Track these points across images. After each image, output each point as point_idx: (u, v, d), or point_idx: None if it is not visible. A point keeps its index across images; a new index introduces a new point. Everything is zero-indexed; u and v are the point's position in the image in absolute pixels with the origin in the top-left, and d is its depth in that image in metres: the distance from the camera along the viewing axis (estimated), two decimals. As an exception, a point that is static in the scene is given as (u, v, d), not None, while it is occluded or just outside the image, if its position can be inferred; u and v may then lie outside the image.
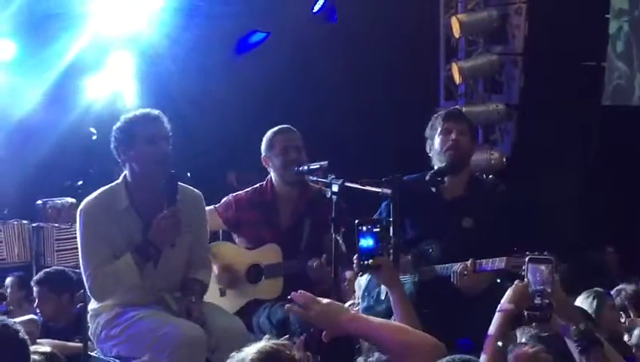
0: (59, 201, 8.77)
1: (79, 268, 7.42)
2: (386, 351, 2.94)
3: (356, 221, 3.47)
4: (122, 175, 4.38)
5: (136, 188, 4.31)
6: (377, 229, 3.34)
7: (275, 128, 5.03)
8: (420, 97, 9.29)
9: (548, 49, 9.34)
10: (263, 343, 2.67)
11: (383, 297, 4.54)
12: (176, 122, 8.10)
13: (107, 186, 4.39)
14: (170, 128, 4.37)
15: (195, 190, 4.58)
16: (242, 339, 3.88)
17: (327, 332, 2.92)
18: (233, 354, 2.66)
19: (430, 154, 4.71)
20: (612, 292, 5.77)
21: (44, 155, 8.68)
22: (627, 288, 5.90)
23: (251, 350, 2.63)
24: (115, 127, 4.35)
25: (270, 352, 2.62)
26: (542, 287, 3.10)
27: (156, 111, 4.39)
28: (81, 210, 4.32)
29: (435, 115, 4.76)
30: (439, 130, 4.65)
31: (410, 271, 4.55)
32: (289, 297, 3.00)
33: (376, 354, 2.97)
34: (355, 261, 3.73)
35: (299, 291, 2.99)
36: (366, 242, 3.35)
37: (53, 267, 6.76)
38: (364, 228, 3.31)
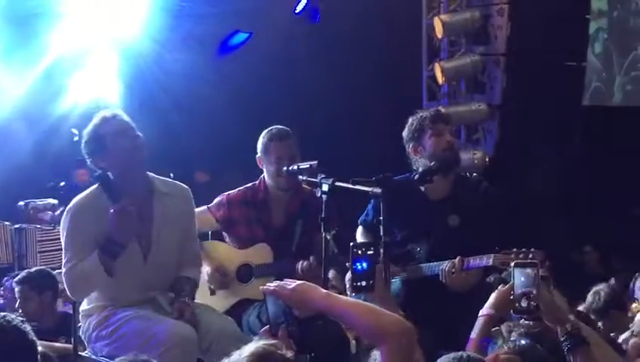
0: (41, 203, 8.73)
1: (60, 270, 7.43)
2: (357, 330, 3.01)
3: (351, 243, 3.53)
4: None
5: (117, 188, 4.32)
6: (371, 252, 3.38)
7: (274, 131, 5.01)
8: (403, 98, 9.29)
9: (530, 49, 9.39)
10: (254, 345, 2.66)
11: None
12: (159, 123, 8.13)
13: (94, 186, 4.41)
14: (134, 122, 4.43)
15: (183, 184, 4.61)
16: (235, 340, 3.92)
17: (300, 310, 2.98)
18: (224, 359, 2.65)
19: (413, 156, 4.71)
20: (589, 295, 5.82)
21: (26, 156, 8.64)
22: (602, 291, 5.93)
23: (243, 353, 2.61)
24: (82, 144, 4.40)
25: (262, 354, 2.60)
26: (528, 290, 3.15)
27: (112, 110, 4.51)
28: (68, 209, 4.36)
29: (419, 117, 4.74)
30: (430, 132, 4.66)
31: (397, 271, 4.57)
32: (261, 288, 3.10)
33: None
34: (348, 282, 3.75)
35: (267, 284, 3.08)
36: (360, 265, 3.39)
37: (35, 267, 6.72)
38: (359, 251, 3.35)
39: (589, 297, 5.80)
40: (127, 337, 4.19)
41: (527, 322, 3.36)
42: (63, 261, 4.32)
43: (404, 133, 4.76)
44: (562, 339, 3.11)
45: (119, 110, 4.49)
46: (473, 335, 3.19)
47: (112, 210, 4.18)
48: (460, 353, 2.52)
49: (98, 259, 4.19)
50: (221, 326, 4.34)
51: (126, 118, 4.42)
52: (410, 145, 4.71)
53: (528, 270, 3.19)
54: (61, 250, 8.44)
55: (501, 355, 3.08)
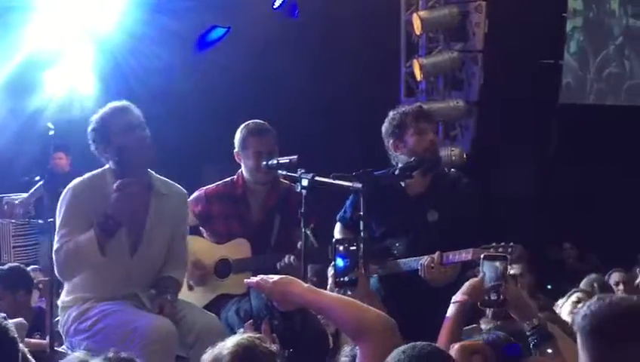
0: (15, 197, 8.67)
1: (36, 264, 7.37)
2: (339, 325, 2.99)
3: (333, 239, 3.52)
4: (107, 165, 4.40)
5: (120, 176, 4.29)
6: (354, 247, 3.38)
7: (251, 126, 4.96)
8: (381, 94, 9.32)
9: (507, 46, 9.43)
10: (239, 337, 2.68)
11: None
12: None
13: (96, 171, 4.40)
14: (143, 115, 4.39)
15: (182, 188, 4.61)
16: (220, 337, 3.85)
17: (282, 304, 2.98)
18: (209, 348, 2.65)
19: (392, 152, 4.68)
20: (568, 295, 5.86)
21: (1, 150, 8.56)
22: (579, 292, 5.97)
23: (227, 344, 2.63)
24: (89, 130, 4.36)
25: (247, 345, 2.62)
26: (497, 283, 3.16)
27: (124, 102, 4.41)
28: (69, 187, 4.32)
29: (400, 112, 4.69)
30: (412, 130, 4.61)
31: (376, 266, 4.56)
32: (245, 281, 3.11)
33: None
34: (331, 278, 3.74)
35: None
36: (342, 261, 3.39)
37: (8, 264, 6.64)
38: (341, 248, 3.35)
39: (585, 286, 5.86)
40: (105, 331, 4.15)
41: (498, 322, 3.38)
42: (56, 237, 4.26)
43: (384, 128, 4.71)
44: (529, 334, 3.12)
45: (131, 104, 4.40)
46: (446, 322, 3.22)
47: (116, 183, 4.16)
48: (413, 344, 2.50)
49: (93, 234, 4.15)
50: (205, 322, 4.33)
51: (137, 112, 4.36)
52: (391, 141, 4.67)
53: (497, 263, 3.19)
54: (36, 244, 8.38)
55: (466, 342, 3.09)
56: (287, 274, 4.53)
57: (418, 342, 2.52)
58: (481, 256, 3.29)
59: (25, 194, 8.69)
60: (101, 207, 4.20)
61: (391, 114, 4.72)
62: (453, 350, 2.91)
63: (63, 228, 4.26)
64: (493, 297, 3.16)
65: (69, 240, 4.21)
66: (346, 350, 3.00)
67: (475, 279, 3.24)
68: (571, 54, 10.28)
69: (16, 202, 8.64)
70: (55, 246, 4.27)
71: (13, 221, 8.34)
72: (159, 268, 4.44)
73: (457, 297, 3.23)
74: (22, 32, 8.45)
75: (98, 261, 4.20)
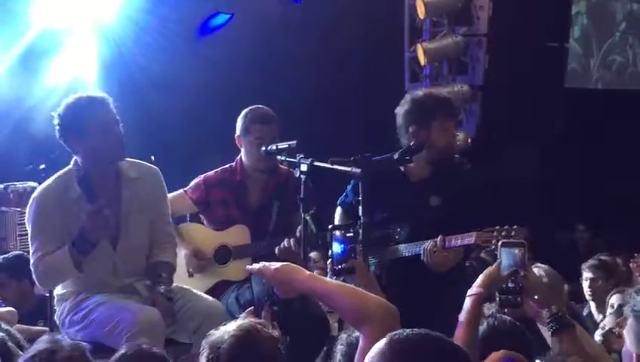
0: (21, 185, 8.66)
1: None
2: (340, 312, 2.96)
3: (330, 226, 3.49)
4: (73, 160, 4.27)
5: (87, 173, 4.18)
6: (350, 234, 3.35)
7: (256, 111, 4.92)
8: (385, 78, 9.28)
9: (512, 30, 9.36)
10: (241, 321, 2.68)
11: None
12: (139, 106, 8.05)
13: (61, 172, 4.27)
14: (117, 110, 4.23)
15: (152, 165, 4.47)
16: (223, 322, 3.85)
17: (283, 291, 2.96)
18: (211, 331, 2.66)
19: (404, 135, 4.53)
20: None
21: (5, 139, 8.56)
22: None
23: (229, 327, 2.64)
24: (57, 114, 4.15)
25: (249, 329, 2.63)
26: (515, 270, 3.09)
27: (100, 94, 4.27)
28: (34, 197, 4.22)
29: (430, 100, 4.53)
30: (438, 123, 4.49)
31: (377, 251, 4.54)
32: (247, 267, 3.09)
33: (357, 332, 2.95)
34: (329, 265, 3.73)
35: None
36: (339, 247, 3.36)
37: (12, 252, 6.65)
38: (338, 233, 3.32)
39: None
40: (96, 323, 4.15)
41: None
42: (31, 250, 4.21)
43: (406, 110, 4.53)
44: (548, 321, 3.04)
45: (107, 97, 4.22)
46: (462, 317, 3.07)
47: (87, 212, 4.02)
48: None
49: (68, 253, 4.06)
50: (208, 308, 4.31)
51: (112, 107, 4.19)
52: (412, 127, 4.50)
53: (516, 250, 3.12)
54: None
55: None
56: (286, 258, 4.59)
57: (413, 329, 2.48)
58: (499, 243, 3.21)
59: (31, 183, 8.69)
60: (66, 215, 4.11)
61: (417, 97, 4.58)
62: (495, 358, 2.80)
63: (34, 241, 4.19)
64: (511, 284, 3.09)
65: (43, 255, 4.14)
66: (343, 337, 2.99)
67: (491, 268, 3.15)
68: (575, 39, 10.23)
69: (22, 190, 8.63)
70: (31, 259, 4.21)
71: (18, 209, 8.33)
72: (146, 252, 4.37)
73: (473, 290, 3.12)
74: (24, 20, 8.43)
75: (76, 275, 4.15)
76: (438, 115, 4.50)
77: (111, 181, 4.27)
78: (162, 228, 4.44)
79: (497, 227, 4.11)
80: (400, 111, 4.58)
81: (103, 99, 4.20)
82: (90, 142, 4.14)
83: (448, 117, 4.56)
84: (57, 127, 4.17)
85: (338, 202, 4.84)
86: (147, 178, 4.37)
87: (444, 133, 4.52)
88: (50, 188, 4.23)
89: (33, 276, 4.27)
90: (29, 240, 4.23)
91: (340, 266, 3.36)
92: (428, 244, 4.35)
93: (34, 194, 4.25)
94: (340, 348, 2.96)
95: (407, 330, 2.16)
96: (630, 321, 2.39)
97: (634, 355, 2.33)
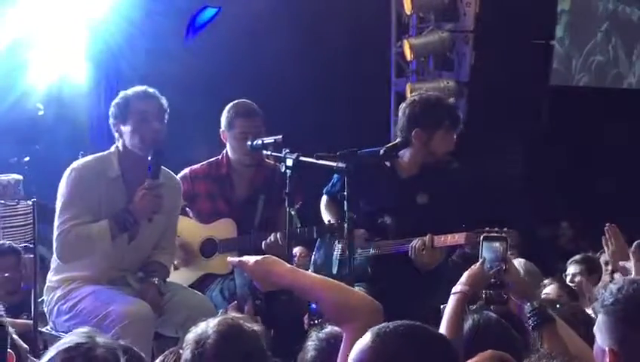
0: (4, 178, 8.61)
1: (28, 244, 7.33)
2: (323, 307, 2.90)
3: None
4: (114, 145, 4.41)
5: (127, 160, 4.34)
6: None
7: (240, 106, 4.94)
8: (371, 73, 9.28)
9: (498, 27, 9.38)
10: (223, 316, 2.67)
11: (334, 272, 4.56)
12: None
13: (100, 153, 4.42)
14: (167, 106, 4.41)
15: (177, 177, 4.67)
16: (210, 316, 3.88)
17: (264, 284, 2.91)
18: (192, 327, 2.65)
19: (405, 135, 4.52)
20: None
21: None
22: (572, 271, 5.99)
23: (212, 323, 2.63)
24: (113, 102, 4.40)
25: (232, 324, 2.63)
26: (497, 264, 3.07)
27: (152, 90, 4.43)
28: (73, 168, 4.32)
29: (442, 107, 4.54)
30: (443, 131, 4.50)
31: (364, 246, 4.55)
32: (228, 259, 3.09)
33: (329, 328, 2.93)
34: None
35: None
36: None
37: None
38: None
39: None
40: (84, 313, 4.18)
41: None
42: (60, 218, 4.25)
43: (415, 111, 4.51)
44: (529, 316, 3.03)
45: (157, 93, 4.43)
46: (446, 316, 3.01)
47: (148, 185, 4.21)
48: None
49: (108, 226, 4.19)
50: (195, 302, 4.37)
51: (161, 102, 4.39)
52: (416, 130, 4.49)
53: (497, 244, 3.09)
54: (27, 225, 8.32)
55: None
56: (273, 252, 4.57)
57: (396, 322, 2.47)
58: (480, 237, 3.17)
59: (15, 175, 8.64)
60: (103, 191, 4.25)
61: (429, 101, 4.58)
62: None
63: (67, 209, 4.26)
64: (493, 280, 3.06)
65: (76, 224, 4.21)
66: (313, 335, 2.93)
67: (475, 266, 3.11)
68: (557, 39, 10.27)
69: (5, 183, 8.59)
70: (60, 227, 4.25)
71: (2, 202, 8.29)
72: (149, 253, 4.48)
73: (457, 288, 3.09)
74: (12, 12, 8.37)
75: (106, 251, 4.24)
76: (445, 123, 4.52)
77: (144, 177, 4.34)
78: (169, 236, 4.58)
79: (487, 228, 4.11)
80: (407, 109, 4.57)
81: (150, 93, 4.40)
82: (128, 127, 4.31)
83: (454, 127, 4.57)
84: (110, 113, 4.40)
85: (324, 190, 4.84)
86: (171, 187, 4.52)
87: (446, 142, 4.55)
88: (90, 164, 4.36)
89: (55, 246, 4.30)
90: (58, 210, 4.29)
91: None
92: (416, 242, 4.36)
93: (73, 165, 4.35)
94: (311, 344, 2.88)
95: (391, 323, 2.15)
96: (600, 317, 2.35)
97: (607, 350, 2.30)
